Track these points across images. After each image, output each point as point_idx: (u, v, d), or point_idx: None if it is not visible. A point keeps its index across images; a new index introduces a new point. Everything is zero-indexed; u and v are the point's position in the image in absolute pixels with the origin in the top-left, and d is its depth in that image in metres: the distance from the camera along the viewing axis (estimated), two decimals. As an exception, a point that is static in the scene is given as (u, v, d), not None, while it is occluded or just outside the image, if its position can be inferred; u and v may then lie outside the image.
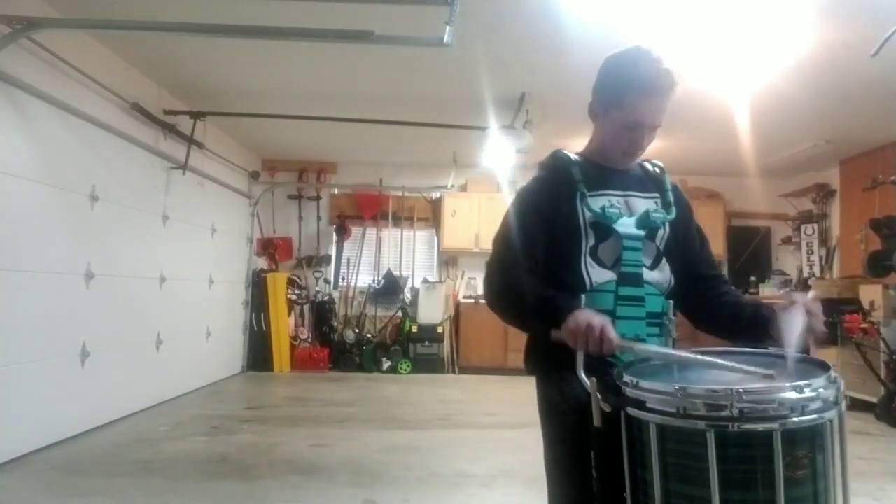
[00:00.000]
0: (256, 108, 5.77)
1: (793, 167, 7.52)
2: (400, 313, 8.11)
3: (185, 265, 5.89)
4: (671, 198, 1.62)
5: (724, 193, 8.08)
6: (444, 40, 3.29)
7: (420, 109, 5.72)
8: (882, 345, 5.32)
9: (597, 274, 1.50)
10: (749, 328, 1.52)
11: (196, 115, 5.63)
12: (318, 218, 8.36)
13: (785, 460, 1.13)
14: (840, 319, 5.65)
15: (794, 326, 1.36)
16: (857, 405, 5.38)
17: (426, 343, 7.81)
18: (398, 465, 3.79)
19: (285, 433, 4.57)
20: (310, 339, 7.98)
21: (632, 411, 1.25)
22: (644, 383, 1.26)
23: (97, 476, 3.46)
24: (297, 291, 7.98)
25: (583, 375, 1.32)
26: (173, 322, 5.61)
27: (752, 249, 8.18)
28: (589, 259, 1.51)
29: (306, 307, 8.11)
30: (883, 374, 5.27)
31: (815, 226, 7.58)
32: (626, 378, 1.28)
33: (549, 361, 1.49)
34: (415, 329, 7.83)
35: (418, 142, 6.94)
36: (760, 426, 1.15)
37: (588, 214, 1.51)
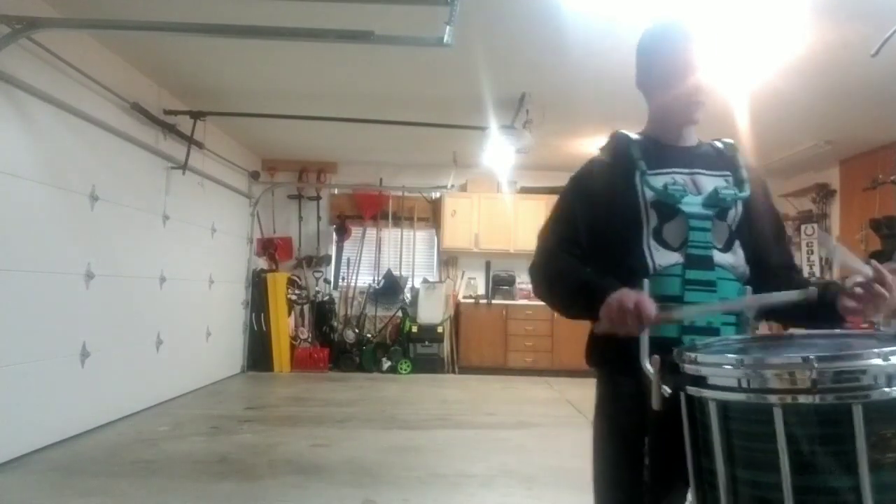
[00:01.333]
0: (256, 108, 5.77)
1: (793, 167, 7.51)
2: (400, 313, 8.11)
3: (185, 265, 5.89)
4: (744, 175, 1.49)
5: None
6: (444, 40, 3.29)
7: (420, 109, 5.72)
8: (882, 345, 5.31)
9: (661, 257, 1.40)
10: (818, 307, 1.37)
11: (196, 115, 5.63)
12: (318, 218, 8.36)
13: (869, 440, 0.95)
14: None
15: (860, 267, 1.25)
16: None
17: (426, 343, 7.81)
18: (398, 465, 3.79)
19: (285, 433, 4.57)
20: (310, 339, 7.98)
21: (691, 390, 1.13)
22: (703, 357, 1.13)
23: (97, 476, 3.46)
24: (297, 291, 7.98)
25: (647, 364, 1.23)
26: (173, 322, 5.61)
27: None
28: (652, 241, 1.41)
29: (306, 307, 8.10)
30: (883, 374, 5.26)
31: (815, 226, 7.57)
32: (686, 354, 1.15)
33: (606, 356, 1.45)
34: (415, 329, 7.83)
35: (418, 142, 6.94)
36: (838, 400, 0.97)
37: (649, 194, 1.42)
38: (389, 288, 8.21)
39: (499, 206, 8.12)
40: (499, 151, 6.19)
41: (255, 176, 7.82)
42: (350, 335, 7.94)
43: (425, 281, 8.22)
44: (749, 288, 1.42)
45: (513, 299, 8.14)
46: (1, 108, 3.52)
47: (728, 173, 1.49)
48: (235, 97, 5.67)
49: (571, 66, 4.49)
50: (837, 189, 7.38)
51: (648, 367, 1.22)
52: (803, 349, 1.12)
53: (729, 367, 1.07)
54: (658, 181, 1.43)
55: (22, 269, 3.68)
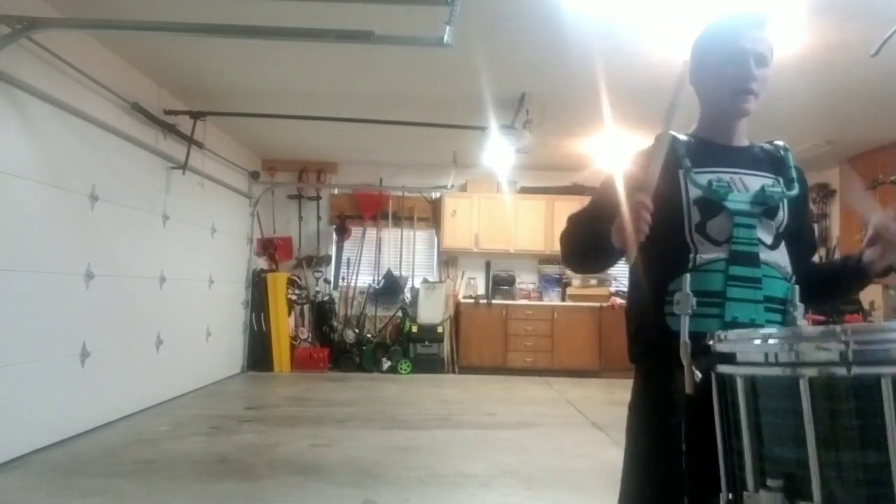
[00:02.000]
0: (256, 108, 5.77)
1: (793, 167, 7.51)
2: (400, 313, 8.11)
3: (185, 265, 5.89)
4: (794, 175, 1.48)
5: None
6: (444, 40, 3.29)
7: (420, 109, 5.72)
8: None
9: (704, 249, 1.40)
10: (850, 277, 1.48)
11: (196, 115, 5.63)
12: (318, 218, 8.36)
13: None
14: (840, 320, 5.65)
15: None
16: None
17: (426, 343, 7.80)
18: (398, 465, 3.79)
19: (285, 433, 4.56)
20: (310, 339, 7.98)
21: (720, 368, 1.13)
22: (732, 334, 1.14)
23: (97, 476, 3.46)
24: (297, 291, 7.98)
25: (686, 337, 1.26)
26: (173, 322, 5.61)
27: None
28: (696, 235, 1.40)
29: (306, 307, 8.11)
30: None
31: (815, 226, 7.57)
32: (717, 334, 1.16)
33: (646, 352, 1.46)
34: (415, 329, 7.83)
35: (418, 142, 6.94)
36: (866, 372, 0.94)
37: (693, 191, 1.41)
38: (389, 288, 8.21)
39: (499, 206, 8.12)
40: (499, 151, 6.20)
41: (255, 176, 7.82)
42: (350, 335, 7.94)
43: (425, 281, 8.22)
44: (797, 287, 1.41)
45: (513, 299, 8.14)
46: (1, 108, 3.52)
47: (776, 176, 1.48)
48: (235, 97, 5.67)
49: (571, 66, 4.49)
50: (837, 189, 7.38)
51: (686, 339, 1.25)
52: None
53: (756, 341, 1.07)
54: (703, 178, 1.42)
55: (22, 269, 3.68)
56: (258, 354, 7.56)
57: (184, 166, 5.59)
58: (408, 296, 8.25)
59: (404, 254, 8.41)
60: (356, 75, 4.97)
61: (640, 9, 3.68)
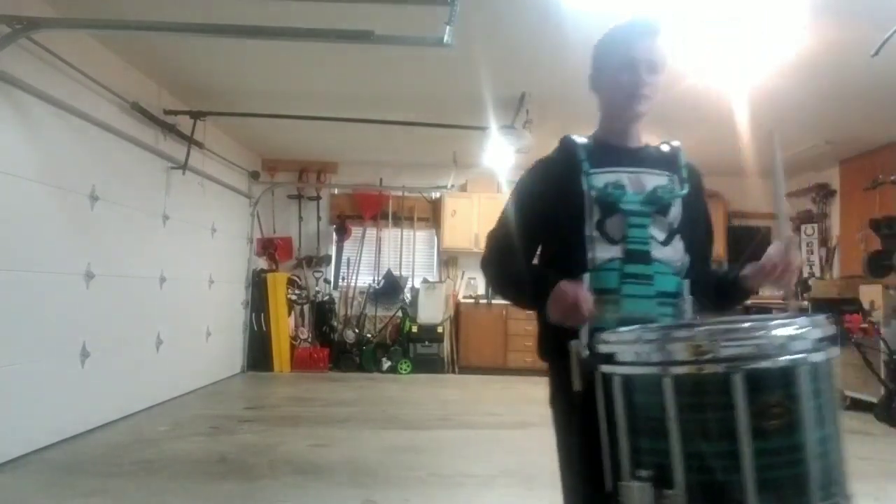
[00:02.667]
0: (256, 108, 5.77)
1: (793, 167, 7.51)
2: (400, 313, 8.11)
3: (185, 265, 5.89)
4: (685, 174, 1.59)
5: (724, 193, 8.08)
6: (444, 40, 3.29)
7: (420, 109, 5.72)
8: (882, 345, 5.32)
9: (602, 250, 1.47)
10: (730, 288, 1.54)
11: (196, 115, 5.63)
12: (318, 218, 8.36)
13: (752, 409, 1.02)
14: (840, 319, 5.65)
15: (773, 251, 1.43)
16: (857, 405, 5.39)
17: (426, 343, 7.80)
18: (398, 466, 3.79)
19: (285, 433, 4.57)
20: (310, 339, 7.98)
21: (603, 368, 1.22)
22: (608, 335, 1.23)
23: (97, 476, 3.46)
24: (297, 291, 7.98)
25: (584, 338, 1.33)
26: (173, 322, 5.60)
27: (752, 249, 8.17)
28: (596, 233, 1.48)
29: (306, 307, 8.10)
30: (883, 374, 5.27)
31: (815, 226, 7.58)
32: (599, 335, 1.25)
33: (555, 349, 1.49)
34: (415, 329, 7.83)
35: (418, 142, 6.94)
36: (718, 370, 1.04)
37: (593, 191, 1.49)
38: (389, 288, 8.20)
39: (499, 206, 7.93)
40: (499, 151, 6.19)
41: (255, 176, 7.82)
42: (350, 335, 7.94)
43: (425, 281, 8.22)
44: (687, 281, 1.51)
45: (513, 299, 8.13)
46: (1, 108, 3.52)
47: (670, 173, 1.57)
48: (235, 97, 5.67)
49: (571, 65, 4.46)
50: (837, 189, 7.39)
51: (581, 350, 1.32)
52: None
53: (628, 343, 1.18)
54: (600, 180, 1.50)
55: (22, 269, 3.68)
56: (258, 354, 7.56)
57: (184, 166, 5.59)
58: (408, 296, 8.25)
59: (404, 254, 8.41)
60: (356, 75, 4.97)
61: (641, 7, 3.68)
